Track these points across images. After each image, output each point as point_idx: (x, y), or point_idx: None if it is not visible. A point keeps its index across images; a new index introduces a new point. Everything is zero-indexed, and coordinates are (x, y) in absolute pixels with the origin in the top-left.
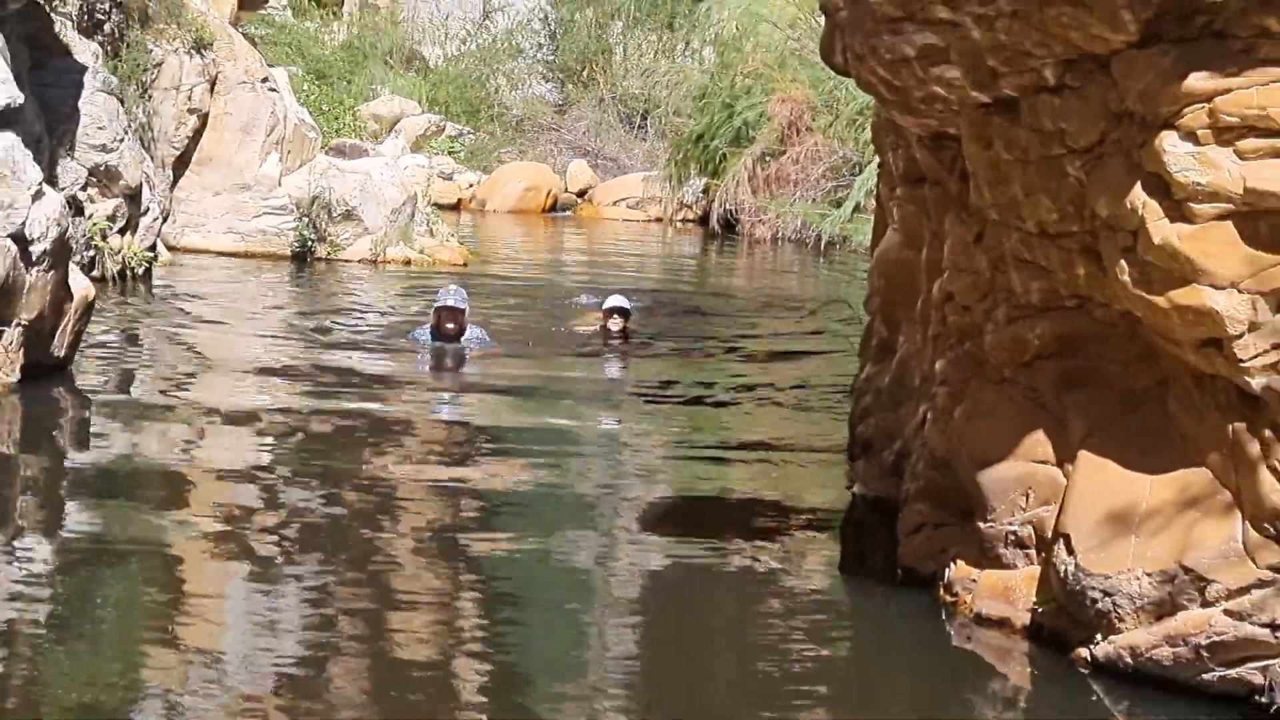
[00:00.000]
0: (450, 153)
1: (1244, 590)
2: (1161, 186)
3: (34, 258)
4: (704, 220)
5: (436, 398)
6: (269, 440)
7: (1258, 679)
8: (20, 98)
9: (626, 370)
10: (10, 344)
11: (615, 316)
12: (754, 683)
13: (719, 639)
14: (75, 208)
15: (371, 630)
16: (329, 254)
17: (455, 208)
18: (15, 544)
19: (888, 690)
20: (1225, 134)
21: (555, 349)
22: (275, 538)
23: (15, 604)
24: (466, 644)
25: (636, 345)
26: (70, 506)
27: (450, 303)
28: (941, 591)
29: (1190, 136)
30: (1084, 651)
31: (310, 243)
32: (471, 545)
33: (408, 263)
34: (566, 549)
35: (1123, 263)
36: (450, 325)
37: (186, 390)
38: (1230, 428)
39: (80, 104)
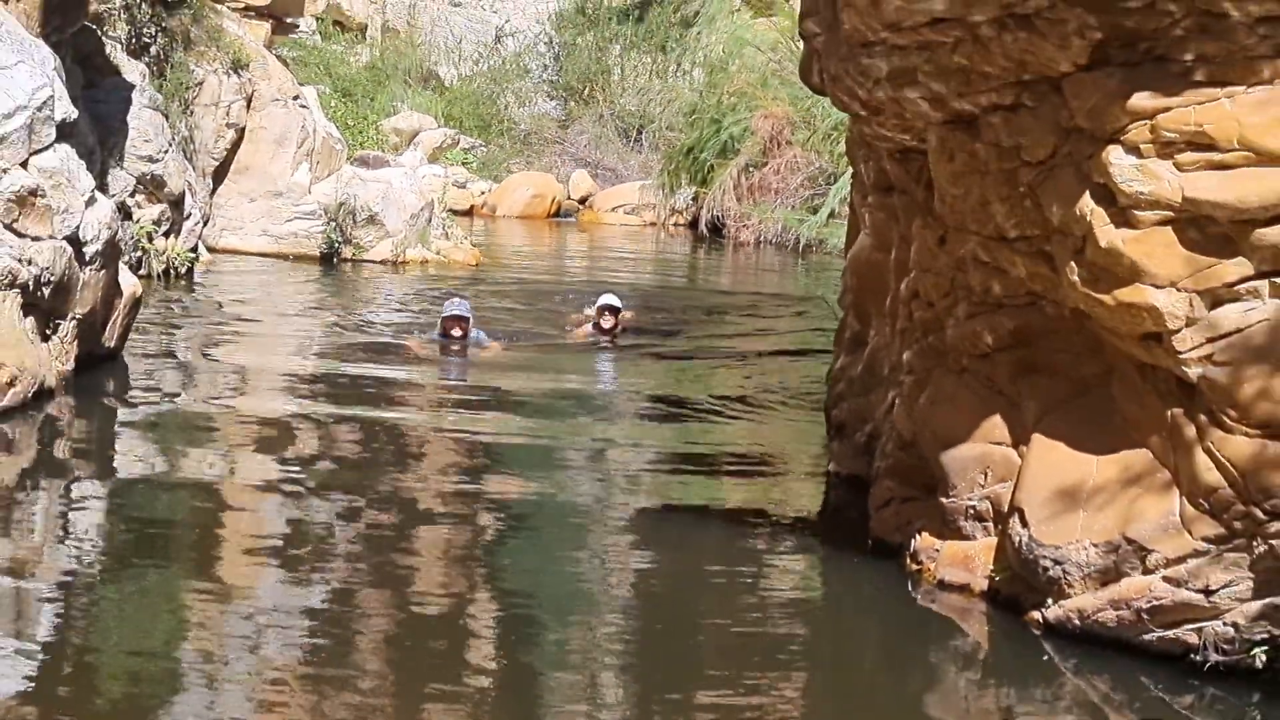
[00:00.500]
0: (464, 163)
1: (1181, 559)
2: (1108, 195)
3: (87, 258)
4: (693, 224)
5: (441, 399)
6: (293, 420)
7: (1193, 639)
8: (75, 113)
9: (619, 357)
10: (66, 336)
11: (607, 314)
12: (738, 641)
13: (704, 601)
14: (124, 213)
15: (385, 636)
16: (354, 255)
17: (468, 213)
18: (67, 522)
19: (859, 649)
20: (1165, 148)
21: (553, 343)
22: (301, 526)
23: (69, 582)
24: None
25: (627, 340)
26: (118, 486)
27: (456, 312)
28: (908, 560)
29: (1134, 150)
30: (1036, 614)
31: (337, 245)
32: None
33: (425, 263)
34: (569, 495)
35: (1072, 264)
36: (456, 332)
37: (225, 380)
38: (1169, 413)
39: (129, 119)
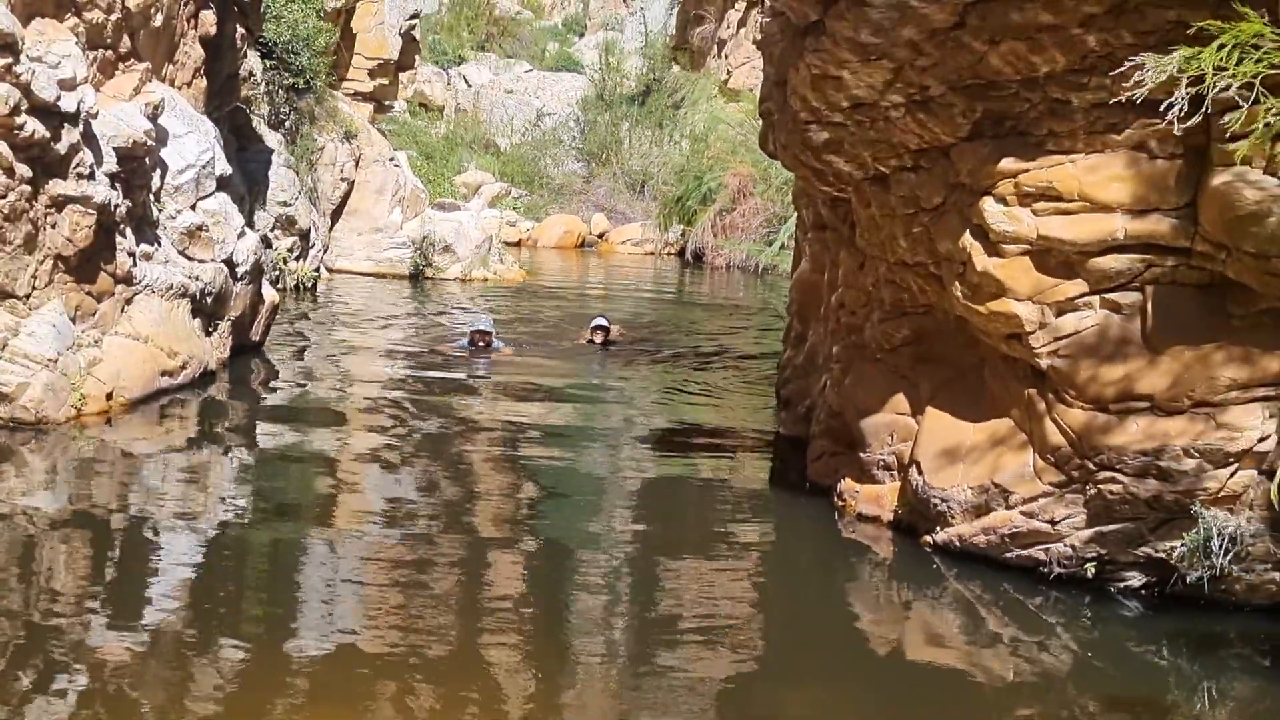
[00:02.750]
0: (514, 208)
1: (1034, 499)
2: (982, 233)
3: (238, 275)
4: (681, 253)
5: (474, 372)
6: (387, 388)
7: (1042, 556)
8: (230, 170)
9: (608, 365)
10: (223, 332)
11: (598, 331)
12: (706, 555)
13: (687, 525)
14: (266, 243)
15: (457, 509)
16: (433, 274)
17: (517, 244)
18: (230, 451)
19: (798, 561)
20: (1025, 199)
21: (556, 350)
22: (397, 447)
23: (228, 490)
24: (521, 520)
25: (614, 349)
26: (262, 429)
27: (481, 327)
28: (835, 498)
29: (1002, 200)
30: (928, 538)
31: (421, 267)
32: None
33: (485, 280)
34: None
35: (956, 283)
36: (481, 342)
37: (338, 361)
38: (1026, 392)
39: (269, 174)
